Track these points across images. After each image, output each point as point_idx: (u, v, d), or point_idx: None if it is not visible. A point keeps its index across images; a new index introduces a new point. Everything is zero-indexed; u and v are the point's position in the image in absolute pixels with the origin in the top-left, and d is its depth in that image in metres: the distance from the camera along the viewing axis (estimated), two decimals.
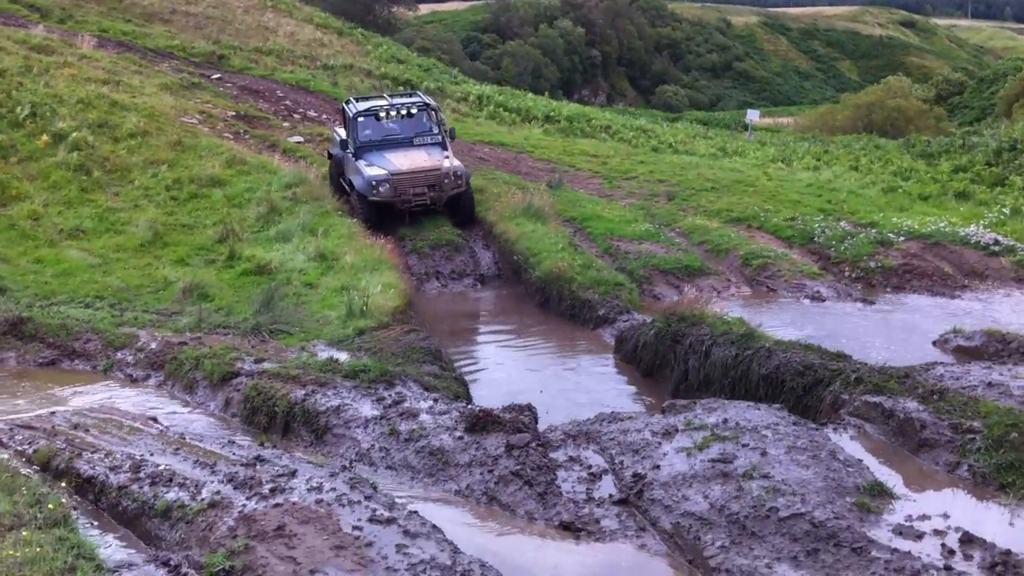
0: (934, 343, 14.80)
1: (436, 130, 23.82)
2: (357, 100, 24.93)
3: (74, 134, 24.88)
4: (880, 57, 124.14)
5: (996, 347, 13.96)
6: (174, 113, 28.68)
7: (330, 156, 25.10)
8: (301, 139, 29.56)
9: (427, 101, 24.58)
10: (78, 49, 32.70)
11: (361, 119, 23.42)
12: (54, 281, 18.51)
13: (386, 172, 22.22)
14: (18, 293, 17.58)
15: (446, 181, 22.41)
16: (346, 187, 23.56)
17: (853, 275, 18.91)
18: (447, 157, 22.99)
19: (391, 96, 25.75)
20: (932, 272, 18.56)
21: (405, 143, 23.32)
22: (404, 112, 23.80)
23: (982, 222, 20.88)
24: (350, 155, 23.24)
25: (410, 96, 25.93)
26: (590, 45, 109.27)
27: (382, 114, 23.66)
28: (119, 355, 15.07)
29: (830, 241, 20.30)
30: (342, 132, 24.09)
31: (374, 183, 22.03)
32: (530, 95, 51.66)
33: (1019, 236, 19.88)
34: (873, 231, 20.55)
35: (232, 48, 39.45)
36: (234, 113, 30.87)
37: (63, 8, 40.36)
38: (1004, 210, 22.15)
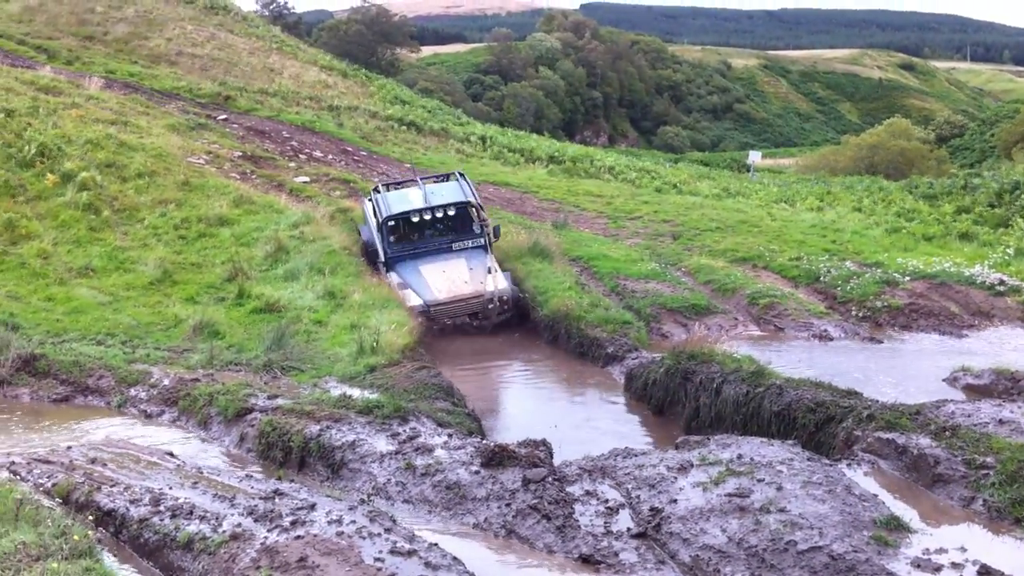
0: (944, 381, 14.88)
1: (478, 230, 21.24)
2: (387, 187, 22.60)
3: (82, 174, 25.05)
4: (880, 99, 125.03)
5: (1005, 385, 14.08)
6: (181, 153, 28.89)
7: (359, 233, 22.98)
8: (307, 179, 29.73)
9: (467, 196, 21.53)
10: (85, 90, 32.98)
11: (391, 223, 21.11)
12: (65, 319, 18.62)
13: (421, 302, 19.55)
14: (30, 330, 17.66)
15: (491, 307, 19.72)
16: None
17: (860, 314, 19.00)
18: (491, 272, 20.04)
19: (423, 180, 22.61)
20: (939, 311, 18.64)
21: (443, 250, 20.88)
22: (440, 214, 21.09)
23: (987, 262, 21.00)
24: (380, 265, 21.08)
25: (446, 179, 22.91)
26: (591, 87, 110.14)
27: (415, 219, 21.04)
28: (132, 391, 15.16)
29: (836, 281, 20.41)
30: (369, 210, 22.18)
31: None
32: (534, 136, 52.03)
33: None
34: (879, 271, 20.66)
35: (238, 89, 39.74)
36: (240, 153, 31.07)
37: (70, 50, 40.70)
38: (1008, 251, 22.28)
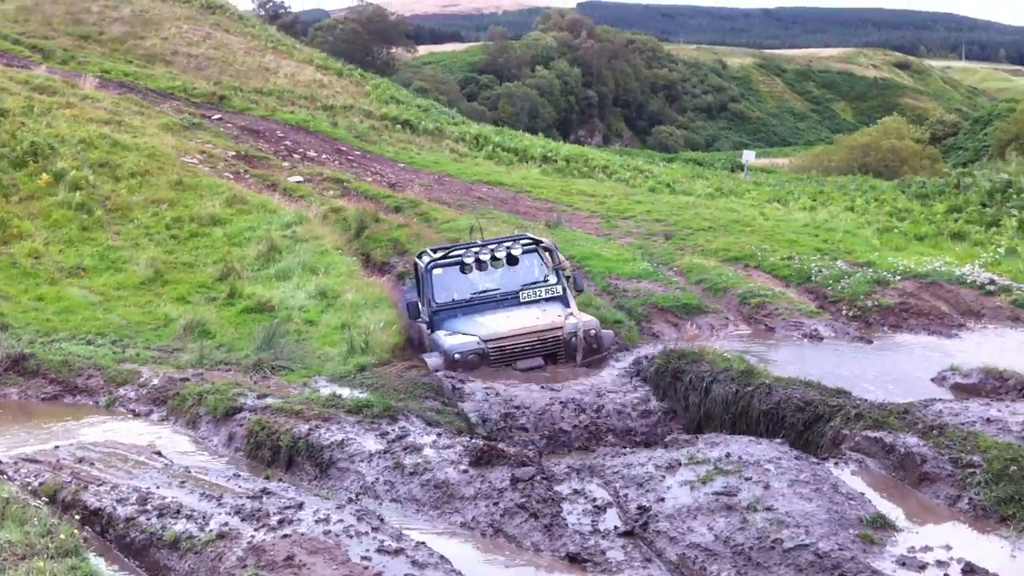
0: (932, 380, 14.88)
1: (554, 279, 16.81)
2: (435, 251, 17.45)
3: (75, 173, 25.04)
4: (875, 98, 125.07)
5: (993, 384, 14.06)
6: (175, 153, 28.87)
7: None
8: (301, 179, 29.72)
9: (538, 238, 17.71)
10: (80, 90, 32.99)
11: (438, 271, 16.64)
12: (55, 318, 18.66)
13: (475, 338, 15.55)
14: (20, 330, 17.74)
15: (573, 342, 15.63)
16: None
17: (850, 314, 18.99)
18: (571, 314, 15.96)
19: (485, 242, 17.56)
20: (929, 311, 18.64)
21: (508, 301, 16.52)
22: (503, 256, 16.57)
23: (977, 262, 20.99)
24: (422, 325, 16.76)
25: (515, 240, 17.45)
26: (586, 86, 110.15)
27: (469, 260, 16.42)
28: (121, 391, 15.19)
29: (827, 280, 20.40)
30: (411, 294, 18.14)
31: (457, 356, 15.35)
32: (527, 135, 52.03)
33: (1014, 276, 19.99)
34: (870, 270, 20.65)
35: (233, 89, 39.75)
36: (234, 153, 31.06)
37: (65, 49, 40.75)
38: (999, 250, 22.30)
